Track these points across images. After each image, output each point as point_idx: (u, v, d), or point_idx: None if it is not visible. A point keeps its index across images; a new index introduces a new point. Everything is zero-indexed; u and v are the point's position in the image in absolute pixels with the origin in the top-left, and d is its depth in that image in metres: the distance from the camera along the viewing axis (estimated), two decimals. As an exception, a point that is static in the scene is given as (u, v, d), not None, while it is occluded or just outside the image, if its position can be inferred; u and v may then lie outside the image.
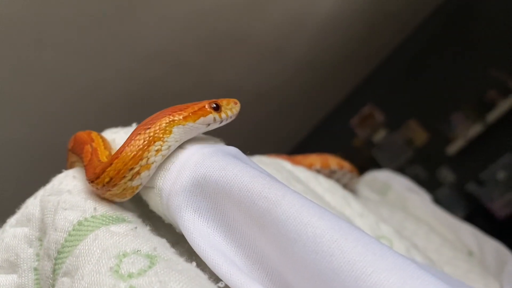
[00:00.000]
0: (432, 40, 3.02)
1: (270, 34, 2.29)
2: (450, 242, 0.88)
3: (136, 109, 2.21)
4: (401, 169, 3.24)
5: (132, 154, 0.37)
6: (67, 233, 0.36)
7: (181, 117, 0.40)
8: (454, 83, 2.95)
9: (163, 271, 0.30)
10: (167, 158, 0.38)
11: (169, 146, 0.39)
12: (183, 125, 0.39)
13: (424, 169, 3.17)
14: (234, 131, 2.80)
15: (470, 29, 2.90)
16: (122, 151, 0.37)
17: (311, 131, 3.53)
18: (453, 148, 2.98)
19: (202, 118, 0.40)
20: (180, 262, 0.33)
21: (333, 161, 0.82)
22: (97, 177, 0.37)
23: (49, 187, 0.42)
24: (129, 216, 0.38)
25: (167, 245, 0.36)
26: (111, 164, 0.37)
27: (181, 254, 0.37)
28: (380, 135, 3.26)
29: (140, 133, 0.38)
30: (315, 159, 0.81)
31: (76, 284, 0.31)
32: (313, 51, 2.62)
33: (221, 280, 0.33)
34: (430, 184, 3.10)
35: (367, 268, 0.27)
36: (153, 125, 0.39)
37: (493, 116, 2.81)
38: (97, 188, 0.38)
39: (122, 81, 2.04)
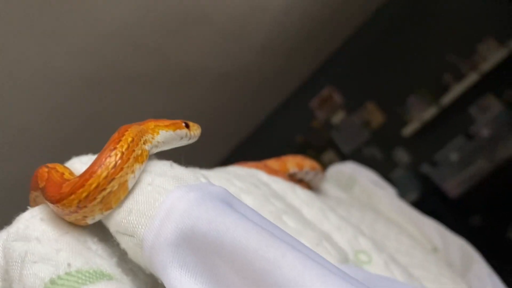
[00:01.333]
0: (391, 25, 3.05)
1: (230, 15, 2.23)
2: (419, 242, 0.89)
3: (91, 91, 2.12)
4: (358, 150, 3.30)
5: (126, 144, 0.36)
6: (38, 292, 0.32)
7: (163, 124, 0.42)
8: (411, 67, 3.01)
9: None
10: (148, 203, 0.35)
11: (158, 142, 0.41)
12: (166, 131, 0.42)
13: (380, 150, 3.24)
14: (197, 112, 2.76)
15: (428, 14, 2.95)
16: (108, 151, 0.35)
17: (271, 112, 3.51)
18: (408, 130, 3.05)
19: (178, 130, 0.43)
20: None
21: (292, 163, 0.80)
22: (71, 193, 0.34)
23: (13, 230, 0.37)
24: (106, 267, 0.35)
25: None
26: (98, 167, 0.34)
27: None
28: (338, 117, 3.30)
29: (125, 133, 0.38)
30: (273, 164, 0.78)
31: None
32: (274, 33, 2.58)
33: None
34: (386, 164, 3.19)
35: None
36: (141, 124, 0.41)
37: (447, 99, 2.89)
38: (68, 206, 0.34)
39: (77, 62, 1.94)
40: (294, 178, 0.80)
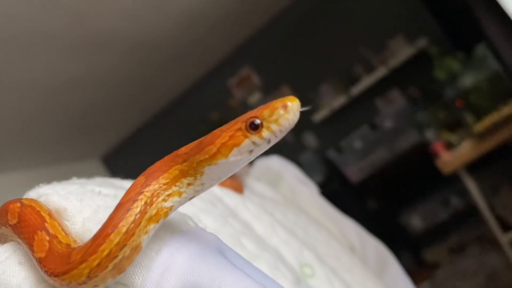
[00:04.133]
0: (310, 13, 3.12)
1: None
2: (342, 243, 0.95)
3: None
4: (271, 132, 3.38)
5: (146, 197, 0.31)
6: None
7: (207, 156, 0.30)
8: (326, 56, 3.12)
9: None
10: (144, 252, 0.34)
11: (203, 184, 0.32)
12: (215, 164, 0.30)
13: (291, 134, 3.35)
14: (110, 80, 2.62)
15: (346, 8, 3.06)
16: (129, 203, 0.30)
17: (189, 87, 3.45)
18: (318, 116, 3.19)
19: (235, 149, 0.30)
20: None
21: None
22: (77, 265, 0.29)
23: (-16, 274, 0.34)
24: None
25: None
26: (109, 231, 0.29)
27: None
28: (255, 98, 3.34)
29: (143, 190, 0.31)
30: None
31: None
32: (195, 5, 2.51)
33: None
34: (295, 148, 3.31)
35: None
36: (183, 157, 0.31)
37: (356, 90, 3.05)
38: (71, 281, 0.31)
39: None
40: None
